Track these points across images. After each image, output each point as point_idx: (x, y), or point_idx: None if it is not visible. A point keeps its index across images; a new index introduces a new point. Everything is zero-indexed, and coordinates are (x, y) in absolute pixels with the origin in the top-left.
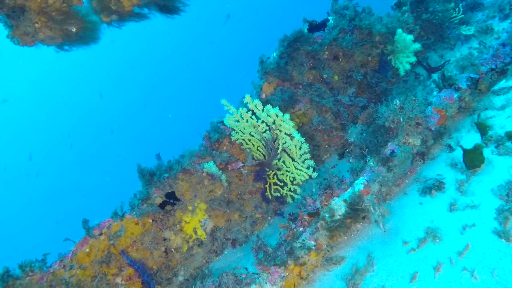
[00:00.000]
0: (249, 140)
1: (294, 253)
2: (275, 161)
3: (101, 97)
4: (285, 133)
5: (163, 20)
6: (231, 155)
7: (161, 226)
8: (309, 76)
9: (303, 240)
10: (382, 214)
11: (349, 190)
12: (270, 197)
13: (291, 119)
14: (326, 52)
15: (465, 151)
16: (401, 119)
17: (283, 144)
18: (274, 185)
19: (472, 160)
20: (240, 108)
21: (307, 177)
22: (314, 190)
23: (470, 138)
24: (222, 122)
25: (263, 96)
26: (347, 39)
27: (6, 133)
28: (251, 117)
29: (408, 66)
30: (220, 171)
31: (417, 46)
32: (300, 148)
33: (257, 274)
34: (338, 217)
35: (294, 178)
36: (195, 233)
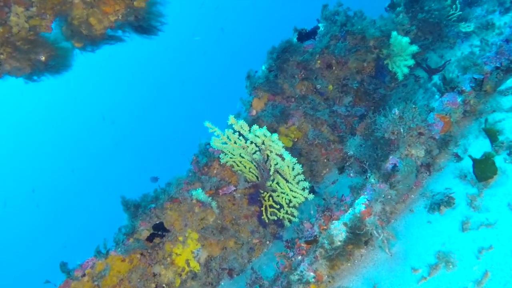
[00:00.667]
0: (240, 162)
1: None
2: (269, 183)
3: (104, 119)
4: (276, 154)
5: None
6: (222, 178)
7: (150, 261)
8: (301, 88)
9: (301, 272)
10: (387, 238)
11: (349, 211)
12: (267, 221)
13: (285, 134)
14: (318, 61)
15: (475, 161)
16: (402, 130)
17: (275, 165)
18: (270, 207)
19: (484, 171)
20: (226, 130)
21: (303, 199)
22: (312, 212)
23: (478, 145)
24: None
25: (254, 112)
26: (340, 46)
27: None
28: (238, 138)
29: (406, 70)
30: (210, 197)
31: (414, 48)
32: (293, 169)
33: None
34: (339, 243)
35: (290, 201)
36: (188, 265)
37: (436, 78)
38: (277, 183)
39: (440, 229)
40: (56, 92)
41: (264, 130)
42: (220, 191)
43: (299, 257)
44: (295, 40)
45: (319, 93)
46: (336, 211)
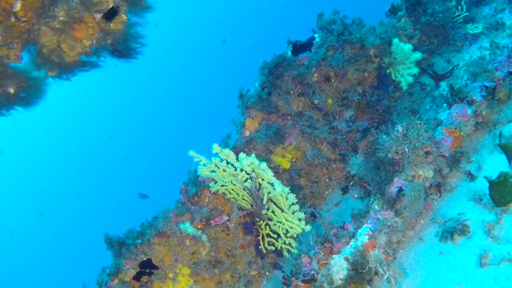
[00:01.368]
0: (232, 189)
1: None
2: (264, 211)
3: (112, 139)
4: (268, 182)
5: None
6: (215, 207)
7: None
8: (298, 104)
9: None
10: (393, 277)
11: (351, 243)
12: (264, 251)
13: (282, 155)
14: (315, 75)
15: (492, 184)
16: (406, 149)
17: (268, 193)
18: (267, 236)
19: (502, 194)
20: (213, 158)
21: (300, 230)
22: (311, 243)
23: (494, 161)
24: None
25: (247, 133)
26: (337, 56)
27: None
28: (227, 165)
29: (410, 79)
30: (200, 231)
31: (417, 55)
32: (287, 198)
33: None
34: (339, 282)
35: (287, 231)
36: None
37: (443, 85)
38: (273, 212)
39: (454, 263)
40: (55, 116)
41: (252, 158)
42: (212, 221)
43: None
44: (289, 53)
45: (317, 109)
46: (337, 242)
